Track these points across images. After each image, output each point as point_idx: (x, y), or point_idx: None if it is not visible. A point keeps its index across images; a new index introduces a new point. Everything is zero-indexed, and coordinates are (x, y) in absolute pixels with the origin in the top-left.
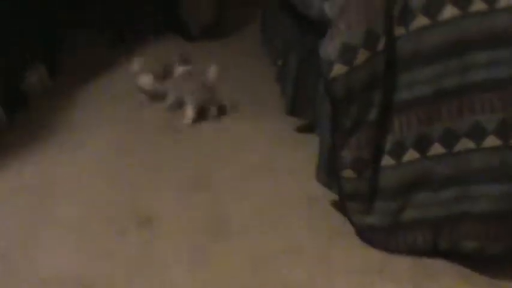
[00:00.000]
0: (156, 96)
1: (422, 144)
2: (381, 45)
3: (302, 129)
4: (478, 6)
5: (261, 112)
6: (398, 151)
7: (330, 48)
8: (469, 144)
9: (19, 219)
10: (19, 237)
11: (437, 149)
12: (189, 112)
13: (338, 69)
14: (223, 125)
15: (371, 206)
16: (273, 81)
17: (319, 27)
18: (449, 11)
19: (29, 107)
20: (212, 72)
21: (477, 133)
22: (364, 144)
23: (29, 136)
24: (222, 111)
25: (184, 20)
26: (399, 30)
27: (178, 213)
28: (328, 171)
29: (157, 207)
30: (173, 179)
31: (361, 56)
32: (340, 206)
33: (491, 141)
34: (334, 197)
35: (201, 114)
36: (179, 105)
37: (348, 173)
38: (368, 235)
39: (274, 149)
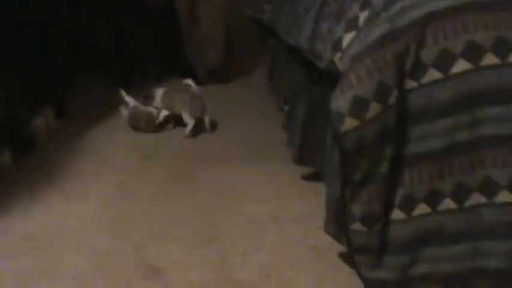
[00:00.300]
0: (149, 118)
1: (433, 198)
2: (392, 99)
3: (309, 178)
4: (490, 60)
5: (268, 159)
6: (409, 205)
7: (341, 101)
8: (481, 199)
9: (23, 269)
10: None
11: (448, 203)
12: (189, 121)
13: (349, 122)
14: (229, 172)
15: (380, 260)
16: (280, 128)
17: (328, 77)
18: (461, 65)
19: (35, 151)
20: (193, 85)
21: (489, 188)
22: (375, 197)
23: (35, 182)
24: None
25: (191, 63)
26: (411, 84)
27: (184, 266)
28: (337, 223)
29: (163, 259)
30: (179, 230)
31: (373, 109)
32: (348, 258)
33: (503, 196)
34: (342, 248)
35: (199, 126)
36: (174, 119)
37: (357, 226)
38: None
39: (281, 199)
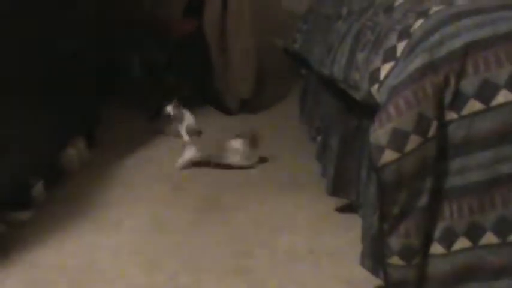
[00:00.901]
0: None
1: (474, 232)
2: (432, 131)
3: (343, 209)
4: None
5: (301, 190)
6: (449, 239)
7: (380, 133)
8: None
9: None
10: None
11: (489, 238)
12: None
13: (388, 155)
14: (262, 202)
15: None
16: (313, 158)
17: (362, 108)
18: (503, 96)
19: (67, 181)
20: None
21: None
22: (414, 231)
23: (67, 213)
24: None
25: (221, 93)
26: (451, 115)
27: None
28: (373, 256)
29: None
30: (212, 261)
31: (412, 142)
32: None
33: None
34: (378, 282)
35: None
36: None
37: (395, 260)
38: None
39: (315, 230)
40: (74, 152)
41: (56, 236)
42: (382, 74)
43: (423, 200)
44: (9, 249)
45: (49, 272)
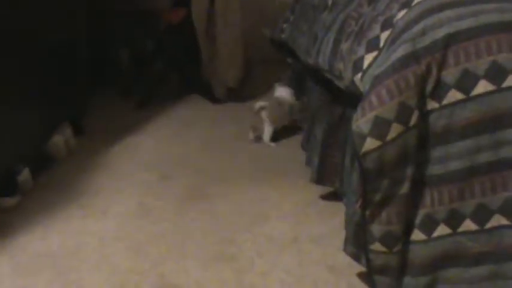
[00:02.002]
0: None
1: (453, 219)
2: (413, 120)
3: (327, 197)
4: None
5: (286, 178)
6: (429, 226)
7: (362, 122)
8: (502, 220)
9: (42, 287)
10: None
11: (469, 225)
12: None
13: (370, 143)
14: (247, 190)
15: (400, 280)
16: (298, 147)
17: (347, 97)
18: (483, 86)
19: (54, 168)
20: None
21: (511, 210)
22: (395, 218)
23: (54, 199)
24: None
25: (208, 82)
26: (432, 104)
27: (201, 284)
28: (356, 243)
29: (182, 277)
30: (197, 248)
31: (394, 130)
32: (367, 278)
33: None
34: (361, 268)
35: None
36: None
37: (377, 246)
38: None
39: (299, 217)
40: (61, 139)
41: (43, 222)
42: (365, 63)
43: (404, 188)
44: None
45: (35, 257)
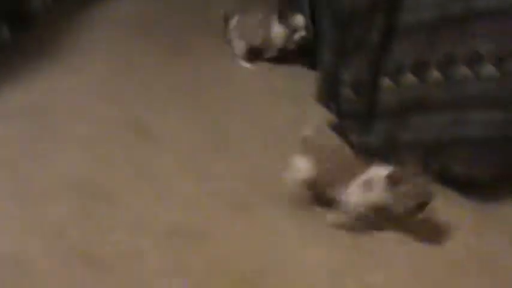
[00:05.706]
0: None
1: (420, 68)
2: None
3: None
4: None
5: None
6: (397, 73)
7: None
8: (467, 72)
9: (28, 134)
10: (29, 149)
11: (435, 74)
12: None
13: None
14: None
15: (369, 125)
16: None
17: None
18: None
19: (33, 27)
20: None
21: (475, 61)
22: (365, 65)
23: (34, 55)
24: None
25: None
26: None
27: (181, 130)
28: (328, 91)
29: (160, 125)
30: (174, 98)
31: None
32: (335, 127)
33: (488, 69)
34: (331, 116)
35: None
36: None
37: (347, 92)
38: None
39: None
40: None
41: (24, 77)
42: None
43: (375, 35)
44: None
45: (14, 108)
